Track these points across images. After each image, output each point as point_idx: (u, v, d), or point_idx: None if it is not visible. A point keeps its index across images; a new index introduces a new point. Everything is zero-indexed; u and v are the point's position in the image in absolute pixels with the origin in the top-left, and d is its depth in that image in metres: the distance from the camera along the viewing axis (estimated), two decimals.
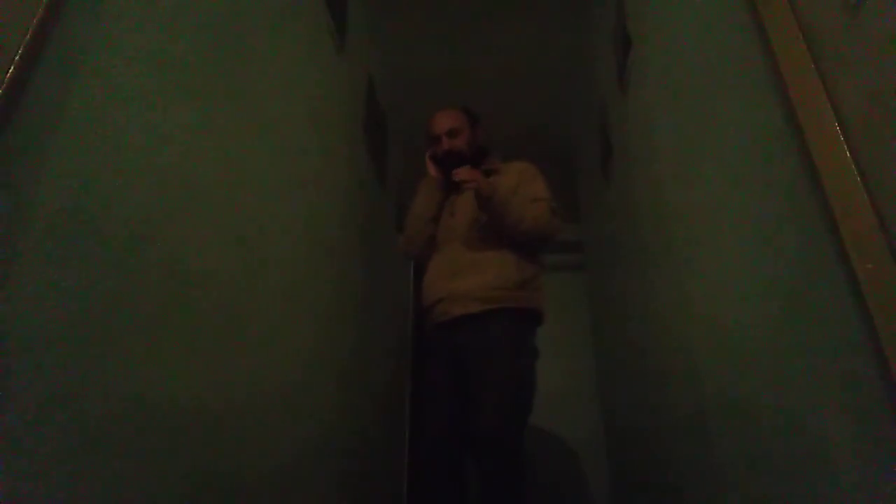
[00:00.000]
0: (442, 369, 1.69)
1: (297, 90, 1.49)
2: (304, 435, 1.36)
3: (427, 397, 1.72)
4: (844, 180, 0.75)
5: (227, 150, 1.07)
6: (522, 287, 1.69)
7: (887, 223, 0.69)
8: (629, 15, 1.90)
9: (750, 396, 1.08)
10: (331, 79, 1.84)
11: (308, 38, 1.63)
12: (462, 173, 1.70)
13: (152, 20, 0.87)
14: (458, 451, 1.62)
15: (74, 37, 0.70)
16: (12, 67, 0.59)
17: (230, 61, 1.11)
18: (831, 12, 0.81)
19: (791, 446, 0.93)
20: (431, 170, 1.89)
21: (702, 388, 1.35)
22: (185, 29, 0.96)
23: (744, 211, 1.09)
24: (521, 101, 3.08)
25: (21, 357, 0.59)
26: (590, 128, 2.83)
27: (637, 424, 2.20)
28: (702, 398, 1.35)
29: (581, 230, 3.58)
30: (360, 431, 1.90)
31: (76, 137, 0.69)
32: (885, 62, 0.70)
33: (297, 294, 1.40)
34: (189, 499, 0.86)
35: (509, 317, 1.64)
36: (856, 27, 0.75)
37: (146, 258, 0.81)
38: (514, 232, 1.69)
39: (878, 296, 0.69)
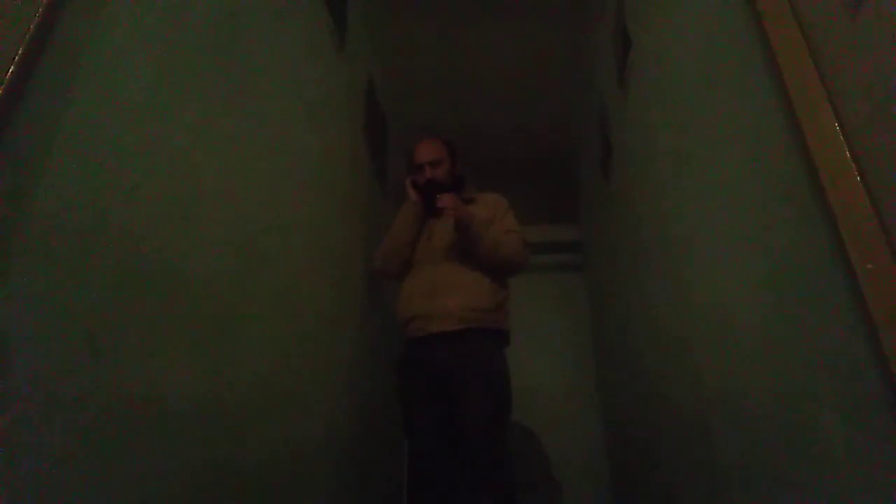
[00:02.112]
0: (420, 382, 1.80)
1: (297, 90, 1.49)
2: (305, 435, 1.36)
3: (407, 409, 1.83)
4: (844, 180, 0.75)
5: (227, 150, 1.07)
6: (496, 310, 1.83)
7: (887, 223, 0.69)
8: (629, 15, 1.90)
9: (750, 396, 1.08)
10: (331, 79, 1.84)
11: (308, 38, 1.63)
12: (445, 200, 1.80)
13: (152, 21, 0.87)
14: (445, 455, 1.73)
15: (74, 37, 0.70)
16: (12, 67, 0.59)
17: (230, 62, 1.11)
18: (831, 12, 0.81)
19: (791, 446, 0.93)
20: (412, 195, 1.99)
21: (702, 387, 1.35)
22: (184, 29, 0.96)
23: (743, 211, 1.09)
24: (521, 101, 3.08)
25: (21, 357, 0.59)
26: (590, 127, 2.83)
27: (637, 424, 2.20)
28: (702, 398, 1.35)
29: (581, 230, 3.59)
30: (360, 431, 1.90)
31: (76, 137, 0.69)
32: (885, 62, 0.70)
33: (298, 294, 1.40)
34: (189, 498, 0.86)
35: (483, 336, 1.78)
36: (856, 27, 0.75)
37: (146, 258, 0.81)
38: (488, 259, 1.82)
39: (878, 296, 0.69)
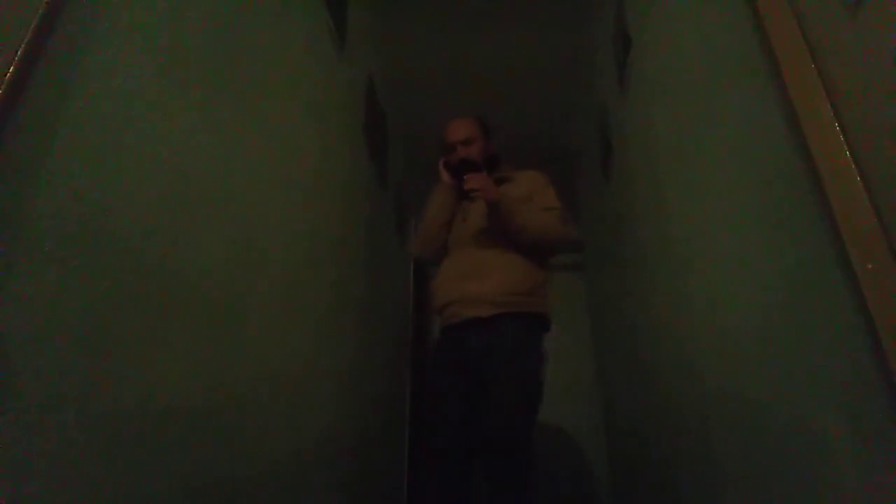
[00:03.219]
0: (451, 370, 1.72)
1: (297, 90, 1.49)
2: (305, 435, 1.36)
3: (436, 398, 1.73)
4: (844, 180, 0.75)
5: (227, 150, 1.07)
6: (532, 293, 1.73)
7: (887, 223, 0.69)
8: (629, 15, 1.90)
9: (750, 396, 1.08)
10: (331, 79, 1.84)
11: (308, 38, 1.63)
12: (472, 180, 1.72)
13: (152, 21, 0.87)
14: (466, 451, 1.65)
15: (74, 37, 0.70)
16: (12, 67, 0.59)
17: (230, 62, 1.11)
18: (831, 12, 0.81)
19: (791, 446, 0.93)
20: (445, 177, 1.92)
21: (702, 387, 1.35)
22: (184, 29, 0.96)
23: (743, 211, 1.09)
24: (522, 100, 3.08)
25: (21, 357, 0.60)
26: (590, 127, 2.83)
27: (637, 424, 2.20)
28: (702, 398, 1.35)
29: (581, 230, 3.58)
30: (360, 431, 1.90)
31: (76, 138, 0.69)
32: (885, 62, 0.70)
33: (298, 294, 1.40)
34: (189, 499, 0.86)
35: (519, 321, 1.69)
36: (856, 27, 0.75)
37: (146, 258, 0.81)
38: (523, 239, 1.73)
39: (878, 296, 0.69)
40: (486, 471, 1.56)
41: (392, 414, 2.58)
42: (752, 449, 1.08)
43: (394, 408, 2.64)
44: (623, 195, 2.20)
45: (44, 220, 0.64)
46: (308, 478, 1.37)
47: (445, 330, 1.79)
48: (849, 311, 0.74)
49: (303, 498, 1.31)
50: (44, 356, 0.62)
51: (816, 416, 0.85)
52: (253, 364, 1.11)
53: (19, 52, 0.60)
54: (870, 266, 0.70)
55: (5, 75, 0.59)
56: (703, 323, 1.34)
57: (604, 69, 2.40)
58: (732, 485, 1.18)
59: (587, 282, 3.55)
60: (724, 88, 1.15)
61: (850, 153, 0.75)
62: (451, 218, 1.91)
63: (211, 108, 1.02)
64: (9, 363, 0.58)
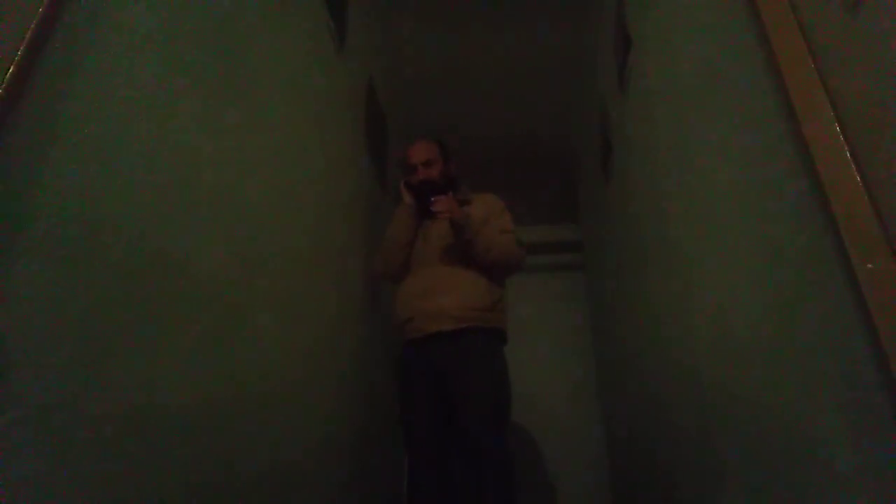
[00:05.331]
0: (419, 383, 1.80)
1: (297, 91, 1.49)
2: (306, 434, 1.36)
3: (407, 410, 1.82)
4: (844, 180, 0.75)
5: (227, 150, 1.07)
6: (491, 309, 1.83)
7: (887, 223, 0.69)
8: (629, 15, 1.90)
9: (750, 396, 1.08)
10: (331, 79, 1.84)
11: (308, 38, 1.63)
12: (439, 204, 1.80)
13: (152, 21, 0.87)
14: (444, 456, 1.74)
15: (75, 37, 0.70)
16: (12, 67, 0.59)
17: (230, 62, 1.11)
18: (831, 12, 0.81)
19: (791, 446, 0.93)
20: (406, 197, 2.00)
21: (702, 387, 1.35)
22: (184, 30, 0.96)
23: (743, 211, 1.09)
24: (522, 101, 3.08)
25: (22, 358, 0.60)
26: (590, 127, 2.83)
27: (637, 424, 2.20)
28: (702, 398, 1.35)
29: (581, 230, 3.59)
30: (360, 431, 1.90)
31: (76, 139, 0.69)
32: (885, 62, 0.70)
33: (299, 294, 1.40)
34: (189, 498, 0.86)
35: (480, 335, 1.78)
36: (856, 27, 0.75)
37: (146, 258, 0.81)
38: (483, 259, 1.83)
39: (878, 296, 0.69)
40: (468, 475, 1.63)
41: (392, 414, 2.58)
42: (751, 449, 1.08)
43: (394, 408, 2.64)
44: (623, 195, 2.20)
45: (44, 220, 0.64)
46: (308, 477, 1.37)
47: (408, 343, 1.86)
48: (849, 311, 0.74)
49: (303, 497, 1.31)
50: (44, 356, 0.62)
51: (816, 416, 0.85)
52: (253, 364, 1.11)
53: (20, 52, 0.61)
54: (870, 266, 0.70)
55: (5, 75, 0.59)
56: (702, 322, 1.34)
57: (604, 69, 2.40)
58: (732, 485, 1.18)
59: (587, 282, 3.55)
60: (724, 88, 1.15)
61: (850, 153, 0.75)
62: (413, 237, 1.97)
63: (211, 108, 1.02)
64: (9, 363, 0.58)
